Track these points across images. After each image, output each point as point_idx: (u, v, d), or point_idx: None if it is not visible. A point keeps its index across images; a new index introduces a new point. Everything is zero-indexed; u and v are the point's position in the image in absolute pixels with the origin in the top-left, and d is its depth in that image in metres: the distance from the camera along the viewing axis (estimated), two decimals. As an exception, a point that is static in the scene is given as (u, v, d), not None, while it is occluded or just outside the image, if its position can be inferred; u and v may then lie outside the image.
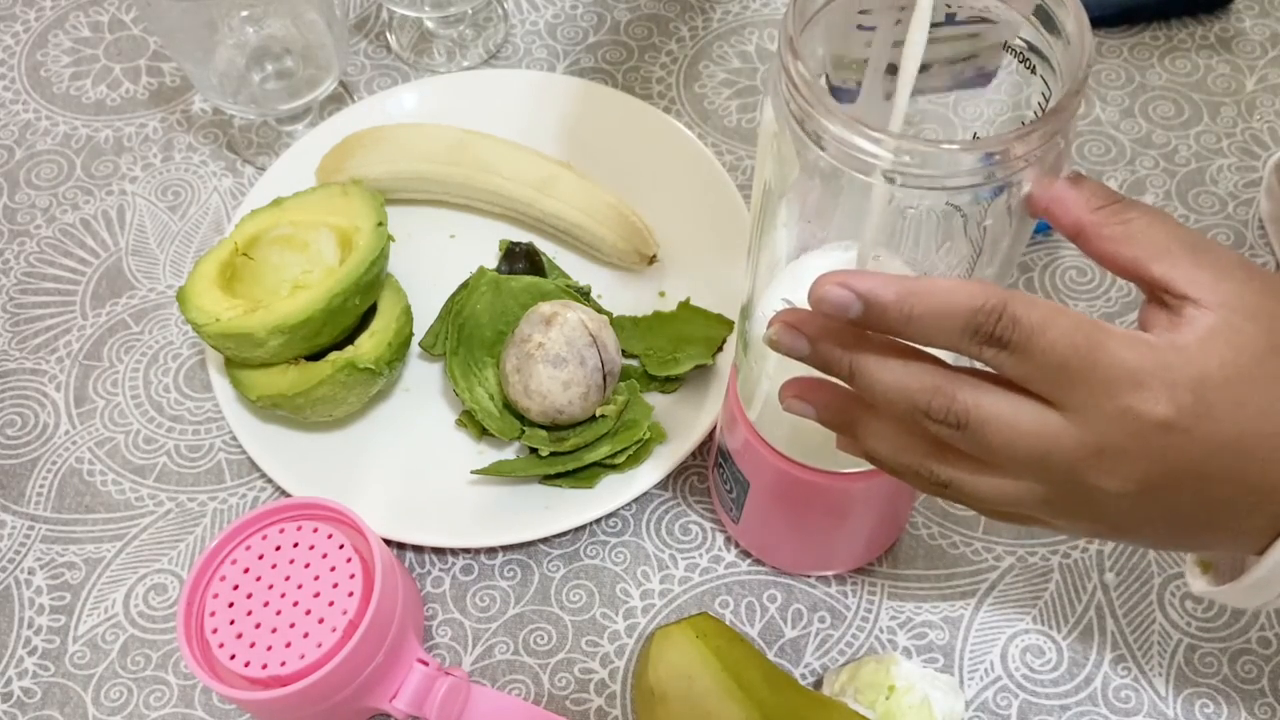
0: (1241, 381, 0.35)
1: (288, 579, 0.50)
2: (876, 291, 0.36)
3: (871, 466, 0.42)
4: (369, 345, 0.60)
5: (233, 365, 0.61)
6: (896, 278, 0.36)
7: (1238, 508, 0.37)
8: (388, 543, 0.56)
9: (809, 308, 0.37)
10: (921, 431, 0.38)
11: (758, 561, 0.59)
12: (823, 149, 0.35)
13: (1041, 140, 0.34)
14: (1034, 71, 0.38)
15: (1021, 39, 0.38)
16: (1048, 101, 0.38)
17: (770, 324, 0.39)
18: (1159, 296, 0.36)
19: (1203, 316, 0.35)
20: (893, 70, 0.39)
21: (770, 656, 0.56)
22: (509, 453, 0.62)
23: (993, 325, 0.35)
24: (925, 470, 0.39)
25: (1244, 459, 0.36)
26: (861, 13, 0.40)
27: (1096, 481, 0.36)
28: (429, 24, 0.78)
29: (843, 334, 0.38)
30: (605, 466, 0.59)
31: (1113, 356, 0.34)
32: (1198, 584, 0.44)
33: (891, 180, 0.35)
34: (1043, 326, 0.34)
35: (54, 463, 0.63)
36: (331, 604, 0.49)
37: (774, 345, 0.39)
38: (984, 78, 0.43)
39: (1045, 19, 0.37)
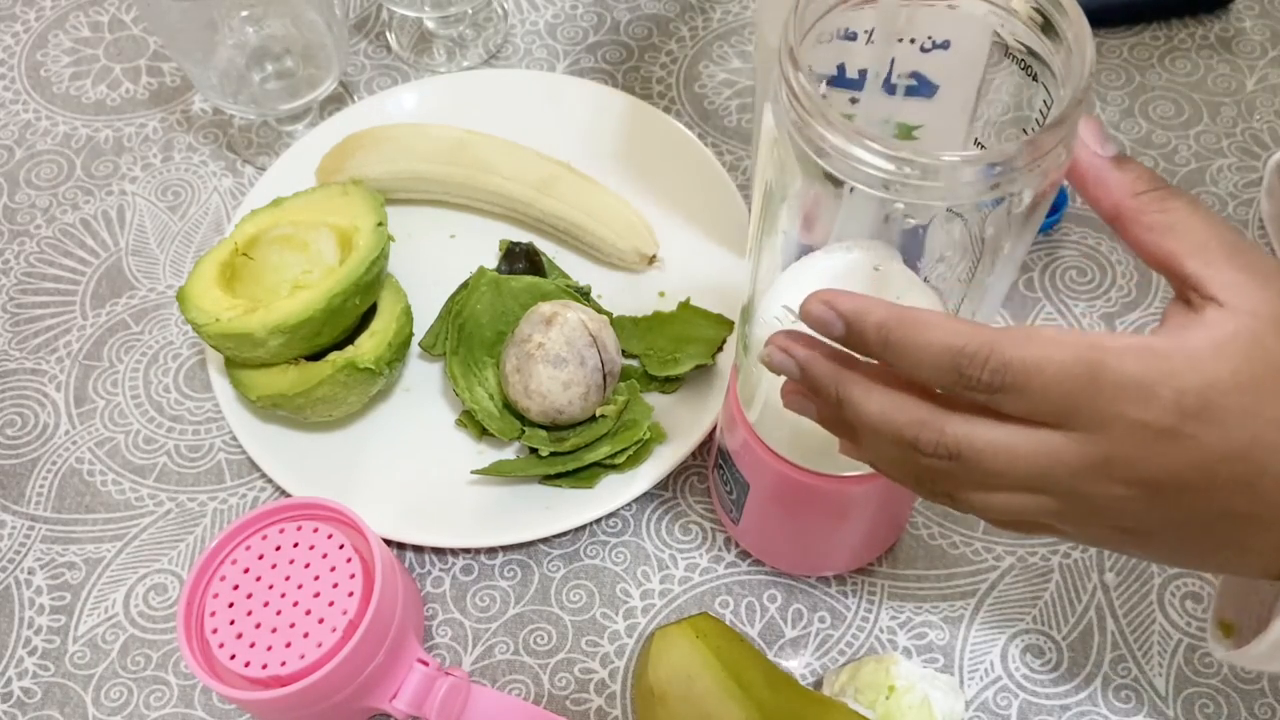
0: (1255, 390, 0.34)
1: (288, 579, 0.50)
2: (858, 313, 0.35)
3: (872, 470, 0.42)
4: (369, 345, 0.60)
5: (233, 365, 0.61)
6: (884, 303, 0.35)
7: (1248, 522, 0.36)
8: (388, 543, 0.56)
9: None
10: None
11: (758, 562, 0.59)
12: (823, 159, 0.35)
13: (1043, 151, 0.34)
14: (1035, 78, 0.38)
15: (1021, 44, 0.38)
16: (1049, 108, 0.38)
17: (766, 344, 0.40)
18: (1186, 294, 0.36)
19: (1224, 321, 0.34)
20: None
21: (770, 656, 0.56)
22: (509, 453, 0.62)
23: (979, 371, 0.34)
24: (926, 481, 0.39)
25: (1255, 469, 0.35)
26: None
27: (1103, 489, 0.35)
28: (429, 24, 0.77)
29: (832, 359, 0.38)
30: (605, 466, 0.59)
31: (1117, 374, 0.34)
32: (1219, 649, 0.43)
33: (893, 190, 0.35)
34: (1039, 366, 0.34)
35: (54, 463, 0.63)
36: (331, 604, 0.49)
37: (768, 365, 0.40)
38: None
39: (1046, 26, 0.37)
